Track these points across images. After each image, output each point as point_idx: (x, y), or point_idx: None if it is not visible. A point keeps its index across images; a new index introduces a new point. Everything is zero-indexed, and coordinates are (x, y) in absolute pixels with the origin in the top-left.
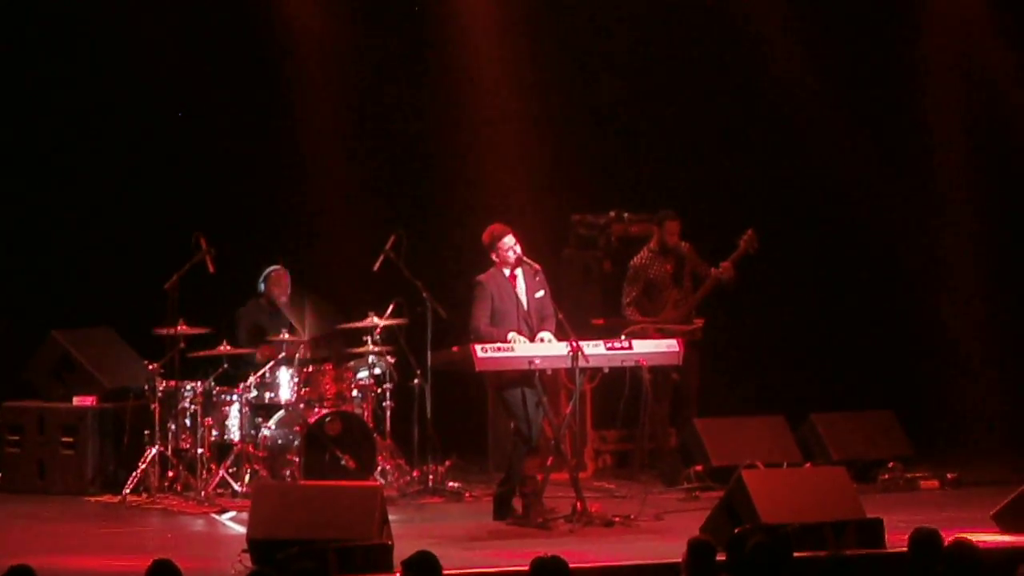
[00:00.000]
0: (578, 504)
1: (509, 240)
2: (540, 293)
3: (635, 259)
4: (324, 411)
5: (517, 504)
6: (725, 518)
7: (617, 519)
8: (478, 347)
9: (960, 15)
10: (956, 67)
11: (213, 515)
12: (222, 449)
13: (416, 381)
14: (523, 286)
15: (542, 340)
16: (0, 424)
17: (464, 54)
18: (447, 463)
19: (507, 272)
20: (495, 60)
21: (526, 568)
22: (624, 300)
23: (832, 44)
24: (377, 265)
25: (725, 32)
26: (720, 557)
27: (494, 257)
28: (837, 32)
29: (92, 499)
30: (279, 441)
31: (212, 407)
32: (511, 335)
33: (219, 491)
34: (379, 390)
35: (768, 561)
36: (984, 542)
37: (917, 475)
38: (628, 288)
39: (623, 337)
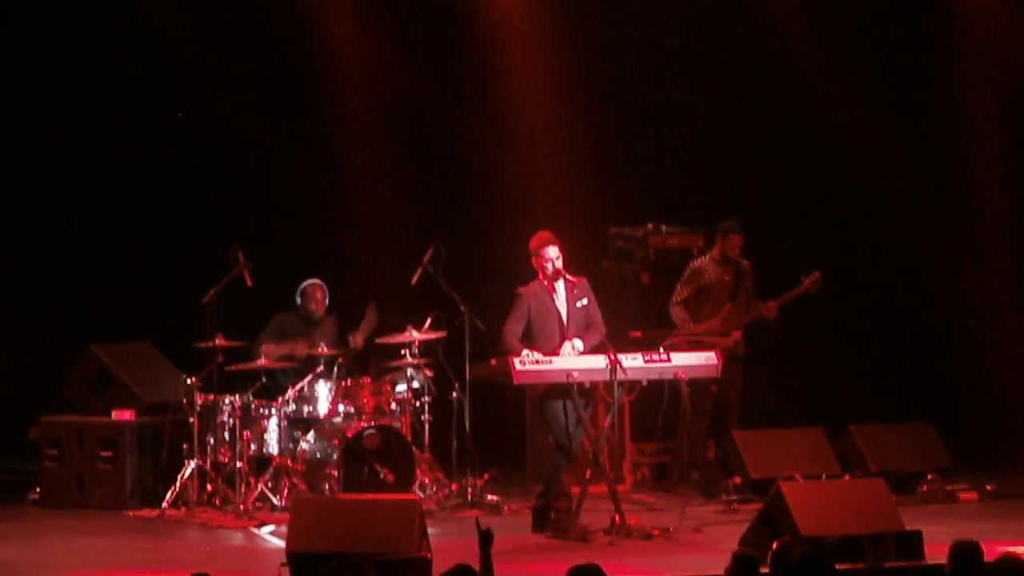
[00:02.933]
0: (617, 517)
1: (553, 251)
2: (583, 302)
3: (695, 261)
4: (363, 425)
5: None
6: (764, 530)
7: (656, 532)
8: (516, 360)
9: (993, 15)
10: (991, 70)
11: (252, 529)
12: (261, 463)
13: (455, 394)
14: (563, 297)
15: (574, 348)
16: (39, 438)
17: (502, 66)
18: (486, 476)
19: (547, 284)
20: (533, 73)
21: None
22: (674, 298)
23: (866, 50)
24: (415, 278)
25: (763, 43)
26: (761, 570)
27: (535, 264)
28: (871, 37)
29: (131, 513)
30: (318, 455)
31: (250, 421)
32: (525, 352)
33: (258, 505)
34: (417, 403)
35: (813, 571)
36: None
37: (956, 487)
38: (681, 288)
39: (661, 350)
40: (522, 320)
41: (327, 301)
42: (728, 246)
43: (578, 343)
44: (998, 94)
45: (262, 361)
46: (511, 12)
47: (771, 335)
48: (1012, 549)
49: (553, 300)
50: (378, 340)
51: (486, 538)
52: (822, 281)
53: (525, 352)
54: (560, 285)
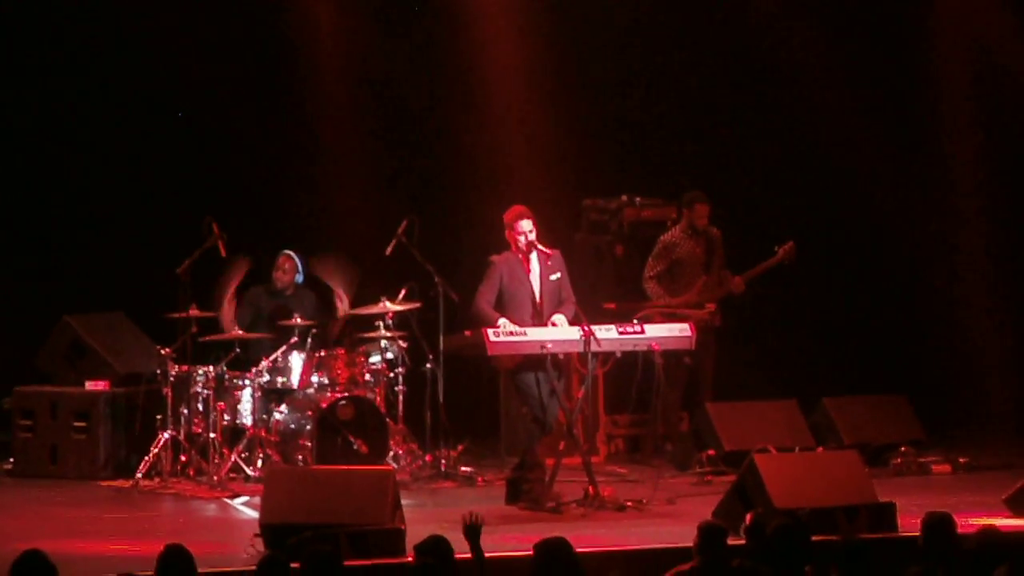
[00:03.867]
0: (590, 488)
1: (525, 224)
2: (556, 275)
3: (665, 235)
4: (336, 395)
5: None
6: (737, 502)
7: (629, 503)
8: (490, 331)
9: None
10: (966, 45)
11: (225, 500)
12: (234, 434)
13: (428, 366)
14: (537, 269)
15: (554, 324)
16: (13, 409)
17: (476, 40)
18: (459, 447)
19: (522, 256)
20: (507, 46)
21: None
22: (646, 273)
23: (845, 34)
24: (389, 250)
25: (738, 18)
26: (732, 541)
27: (508, 237)
28: (850, 23)
29: (104, 484)
30: (291, 426)
31: (224, 392)
32: (502, 321)
33: (231, 476)
34: (391, 375)
35: (789, 543)
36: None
37: (929, 459)
38: (653, 262)
39: (635, 321)
40: (494, 288)
41: (299, 277)
42: (695, 216)
43: (560, 318)
44: (973, 68)
45: (236, 332)
46: None
47: (746, 307)
48: (991, 522)
49: (526, 273)
50: (353, 311)
51: (472, 533)
52: (796, 251)
53: (502, 321)
54: (533, 258)
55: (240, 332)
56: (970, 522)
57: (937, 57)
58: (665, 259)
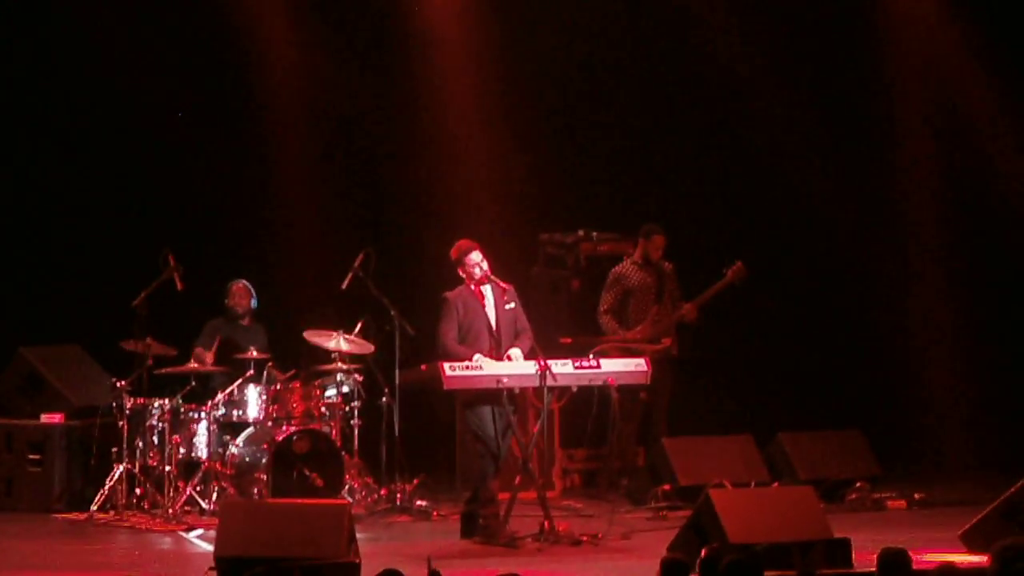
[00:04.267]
0: (546, 523)
1: (476, 256)
2: (511, 305)
3: (617, 267)
4: (292, 429)
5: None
6: (693, 537)
7: (584, 538)
8: (446, 365)
9: (923, 23)
10: (921, 71)
11: (180, 533)
12: (190, 467)
13: (384, 399)
14: (491, 301)
15: (510, 357)
16: None
17: (433, 71)
18: (415, 481)
19: (475, 288)
20: (465, 78)
21: None
22: (601, 307)
23: (797, 58)
24: (346, 283)
25: (694, 52)
26: None
27: (461, 273)
28: (802, 46)
29: (59, 516)
30: (247, 459)
31: (180, 425)
32: (476, 356)
33: (187, 509)
34: (347, 408)
35: None
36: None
37: (884, 495)
38: (605, 295)
39: (591, 356)
40: (454, 324)
41: (253, 302)
42: (651, 248)
43: (516, 352)
44: (929, 96)
45: (191, 364)
46: (443, 18)
47: (702, 342)
48: (947, 558)
49: (481, 305)
50: (309, 341)
51: None
52: (745, 271)
53: (477, 356)
54: (487, 290)
55: (208, 358)
56: (925, 558)
57: (895, 84)
58: (616, 289)
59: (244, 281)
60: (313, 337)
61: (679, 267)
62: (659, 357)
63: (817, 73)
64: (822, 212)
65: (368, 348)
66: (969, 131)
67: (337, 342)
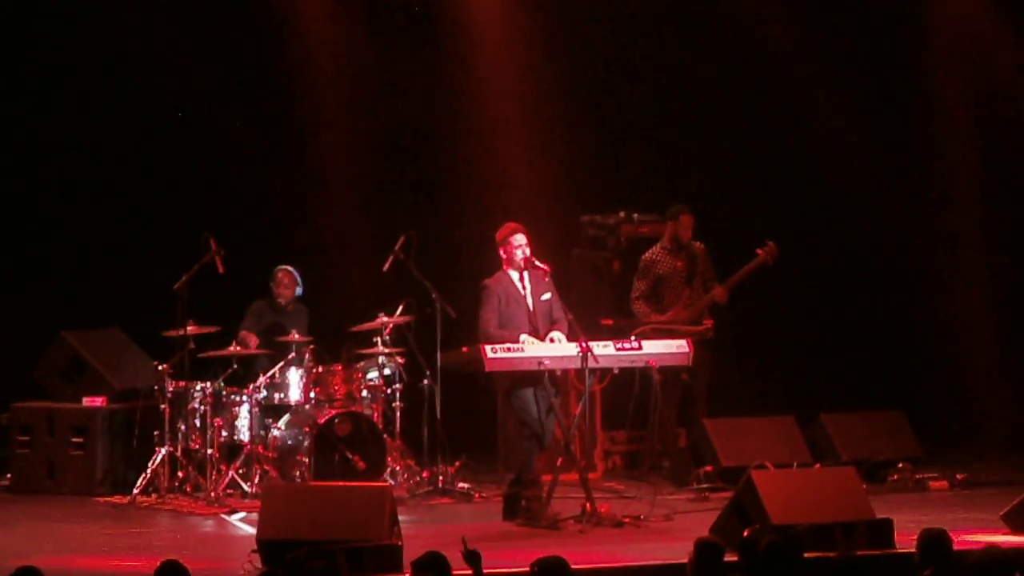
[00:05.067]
0: (588, 505)
1: (520, 239)
2: (547, 296)
3: (647, 253)
4: (334, 412)
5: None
6: (735, 519)
7: (627, 520)
8: (488, 347)
9: (965, 14)
10: (962, 61)
11: (223, 516)
12: (232, 450)
13: (426, 381)
14: (529, 289)
15: (552, 340)
16: (10, 425)
17: (475, 52)
18: (457, 463)
19: (514, 275)
20: (506, 61)
21: None
22: (632, 294)
23: (839, 43)
24: (387, 266)
25: (734, 33)
26: (729, 558)
27: (502, 254)
28: (845, 32)
29: (101, 500)
30: (289, 442)
31: (222, 408)
32: (523, 337)
33: (229, 492)
34: (389, 391)
35: (781, 561)
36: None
37: (926, 476)
38: (637, 282)
39: (633, 338)
40: (496, 310)
41: (298, 290)
42: (680, 228)
43: (558, 334)
44: (969, 72)
45: (233, 348)
46: (485, 2)
47: (744, 323)
48: (990, 539)
49: (521, 293)
50: (351, 329)
51: (472, 558)
52: (778, 251)
53: (524, 337)
54: (527, 276)
55: (253, 340)
56: (966, 539)
57: (933, 62)
58: (648, 277)
59: (289, 267)
60: (358, 328)
61: (718, 247)
62: (698, 339)
63: (854, 49)
64: (864, 190)
65: (409, 318)
66: (1008, 102)
67: (380, 320)
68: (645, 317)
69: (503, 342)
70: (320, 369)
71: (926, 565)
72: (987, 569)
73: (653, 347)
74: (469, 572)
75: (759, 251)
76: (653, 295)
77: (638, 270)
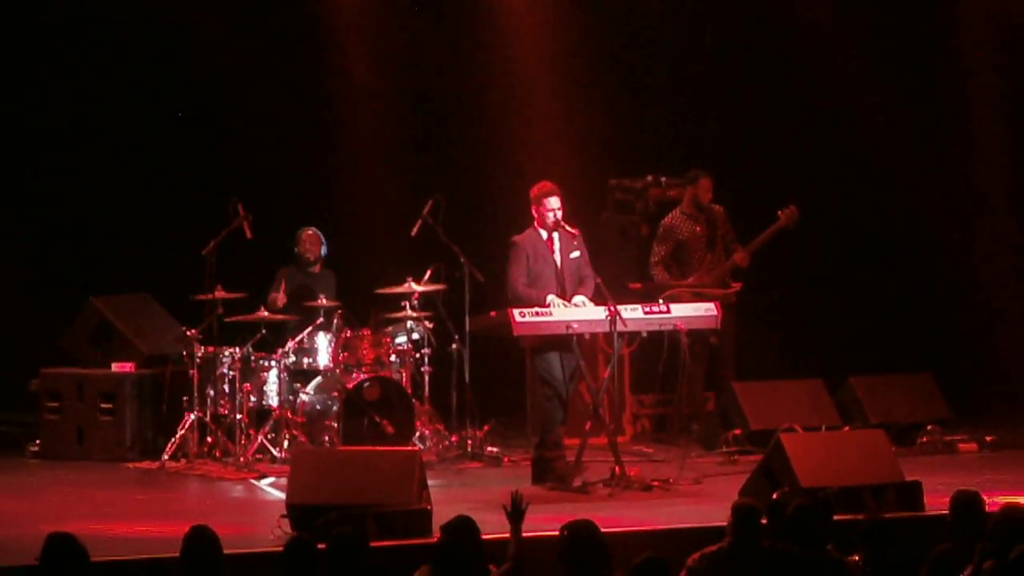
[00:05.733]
0: (617, 468)
1: (554, 201)
2: (575, 254)
3: (666, 219)
4: (362, 376)
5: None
6: (764, 482)
7: (656, 483)
8: (516, 312)
9: None
10: (991, 21)
11: (252, 481)
12: (261, 415)
13: (454, 346)
14: (559, 247)
15: (576, 305)
16: (39, 391)
17: (503, 17)
18: (486, 428)
19: (544, 233)
20: (534, 24)
21: None
22: (652, 259)
23: (864, 4)
24: (415, 230)
25: None
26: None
27: (534, 212)
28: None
29: (131, 465)
30: (318, 407)
31: (250, 373)
32: (550, 297)
33: (258, 457)
34: (417, 355)
35: (810, 523)
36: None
37: (956, 438)
38: (657, 247)
39: (661, 301)
40: (524, 268)
41: (323, 249)
42: (700, 192)
43: (581, 299)
44: (998, 33)
45: (261, 312)
46: None
47: (772, 286)
48: (1014, 499)
49: (551, 251)
50: (378, 291)
51: (515, 515)
52: (799, 214)
53: (551, 298)
54: (556, 236)
55: (281, 302)
56: (997, 500)
57: (960, 18)
58: (668, 242)
59: (314, 228)
60: (385, 291)
61: (743, 210)
62: (724, 302)
63: (879, 10)
64: (890, 154)
65: (439, 287)
66: None
67: (408, 286)
68: (664, 284)
69: (531, 300)
70: (349, 334)
71: (959, 527)
72: (1007, 528)
73: (681, 310)
74: (500, 536)
75: (780, 213)
76: (674, 260)
77: (657, 235)
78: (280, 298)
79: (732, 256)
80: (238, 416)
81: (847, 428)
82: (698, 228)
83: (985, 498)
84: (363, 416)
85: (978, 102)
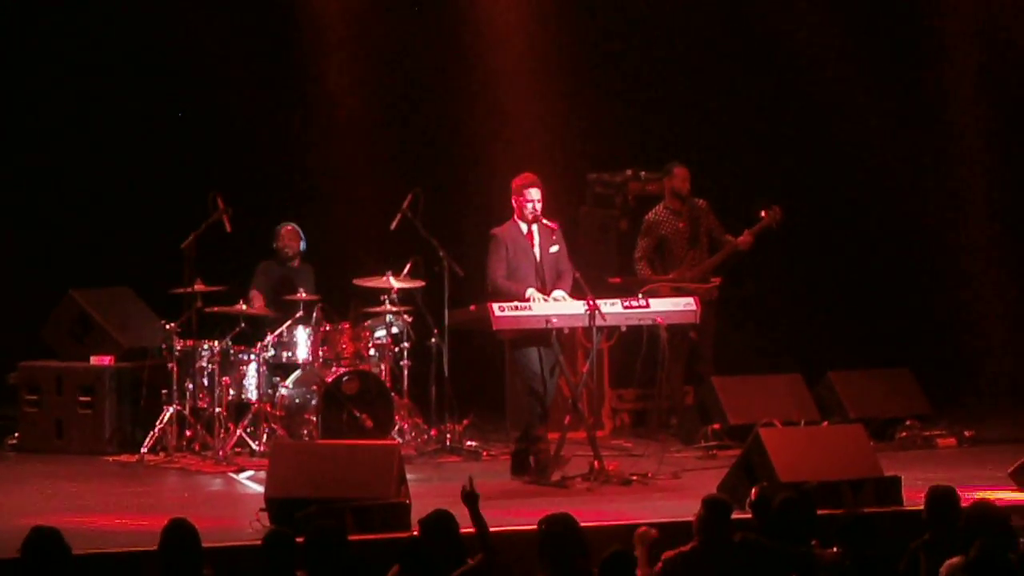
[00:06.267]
0: (596, 463)
1: (534, 192)
2: (555, 248)
3: (649, 214)
4: (341, 370)
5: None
6: (743, 476)
7: (635, 477)
8: (495, 306)
9: None
10: (973, 16)
11: (231, 474)
12: (240, 408)
13: (433, 340)
14: (538, 240)
15: (555, 299)
16: (18, 384)
17: (481, 8)
18: (464, 422)
19: (523, 225)
20: (513, 17)
21: None
22: (635, 254)
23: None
24: (395, 224)
25: None
26: (737, 515)
27: (514, 202)
28: None
29: (110, 458)
30: (297, 400)
31: (230, 366)
32: (529, 292)
33: (237, 450)
34: (396, 349)
35: (795, 517)
36: (1001, 500)
37: (934, 433)
38: (640, 242)
39: (640, 295)
40: (503, 261)
41: (302, 244)
42: (676, 182)
43: (560, 293)
44: (978, 27)
45: (240, 306)
46: None
47: (751, 281)
48: (996, 496)
49: (529, 244)
50: (355, 281)
51: (469, 499)
52: (783, 214)
53: (530, 291)
54: (535, 229)
55: (260, 302)
56: (974, 496)
57: (943, 16)
58: (651, 237)
59: (293, 224)
60: (363, 283)
61: (725, 205)
62: (704, 297)
63: (863, 3)
64: (869, 148)
65: (418, 284)
66: (1019, 57)
67: (387, 281)
68: (647, 278)
69: (510, 293)
70: (328, 327)
71: (934, 522)
72: (978, 524)
73: (661, 305)
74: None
75: (763, 212)
76: (656, 255)
77: (640, 230)
78: (259, 301)
79: (731, 243)
80: (217, 409)
81: (826, 423)
82: (681, 224)
83: (961, 493)
84: (342, 410)
85: (958, 98)
